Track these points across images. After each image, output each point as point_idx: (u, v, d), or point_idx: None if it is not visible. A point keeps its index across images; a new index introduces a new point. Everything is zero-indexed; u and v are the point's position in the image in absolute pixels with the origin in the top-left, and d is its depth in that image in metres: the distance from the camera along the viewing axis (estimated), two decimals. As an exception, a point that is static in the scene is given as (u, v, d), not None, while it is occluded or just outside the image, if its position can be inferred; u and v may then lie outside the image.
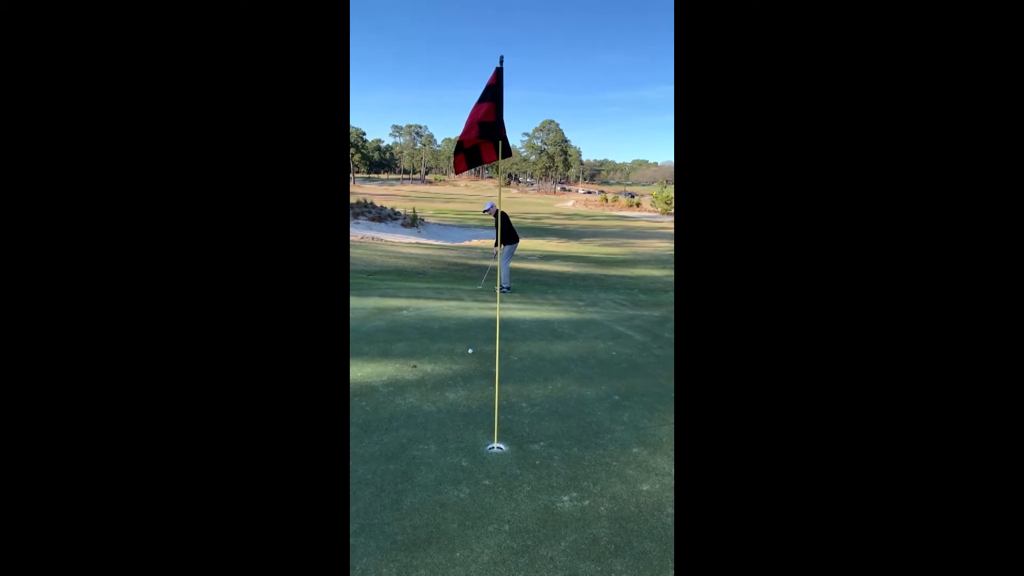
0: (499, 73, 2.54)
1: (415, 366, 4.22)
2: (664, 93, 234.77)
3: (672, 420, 3.50)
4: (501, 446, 3.01)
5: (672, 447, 3.12)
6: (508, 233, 7.96)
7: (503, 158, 2.64)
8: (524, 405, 3.64)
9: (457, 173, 2.79)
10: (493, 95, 2.53)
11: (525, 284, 10.16)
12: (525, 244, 20.46)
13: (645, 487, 2.68)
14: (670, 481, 2.74)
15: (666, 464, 2.92)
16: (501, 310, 6.83)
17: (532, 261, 15.04)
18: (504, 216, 7.82)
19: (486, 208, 8.12)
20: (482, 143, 2.66)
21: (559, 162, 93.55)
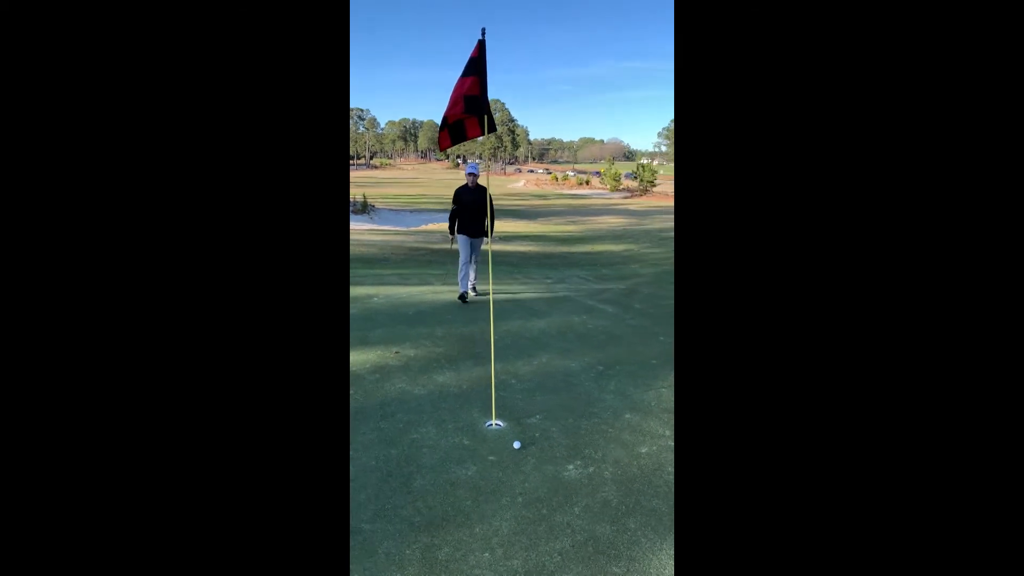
0: (481, 46, 2.49)
1: (398, 352, 4.17)
2: (610, 69, 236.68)
3: (657, 386, 3.63)
4: (499, 423, 3.04)
5: (661, 411, 3.24)
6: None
7: (488, 133, 2.61)
8: (514, 382, 3.68)
9: (442, 150, 2.75)
10: (477, 68, 2.49)
11: (492, 265, 10.14)
12: (481, 226, 20.22)
13: (643, 450, 2.78)
14: (665, 443, 2.86)
15: (659, 427, 3.04)
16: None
17: (494, 242, 15.00)
18: (480, 193, 5.82)
19: (470, 170, 6.01)
20: (466, 118, 2.61)
21: (507, 142, 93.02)
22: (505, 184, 57.48)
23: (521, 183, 63.64)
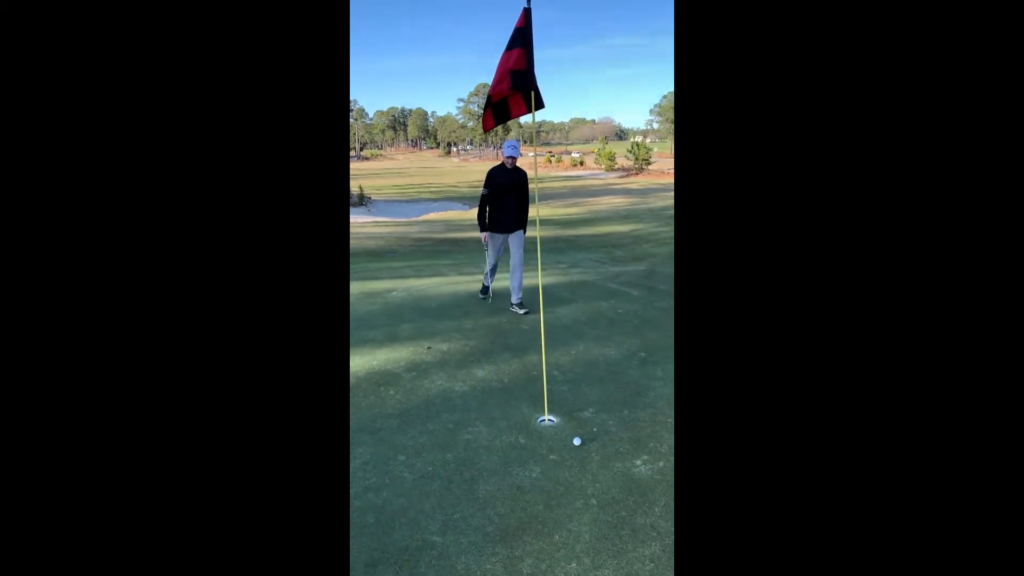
0: (527, 14, 2.27)
1: (430, 348, 4.02)
2: (598, 47, 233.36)
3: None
4: (552, 418, 2.91)
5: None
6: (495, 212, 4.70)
7: (536, 110, 2.41)
8: (556, 373, 3.53)
9: (485, 131, 2.54)
10: (524, 40, 2.27)
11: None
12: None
13: (709, 440, 2.65)
14: (730, 431, 2.73)
15: (719, 414, 2.91)
16: (494, 281, 6.64)
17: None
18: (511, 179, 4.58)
19: (509, 150, 4.50)
20: (511, 95, 2.41)
21: (499, 127, 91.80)
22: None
23: (515, 167, 62.92)
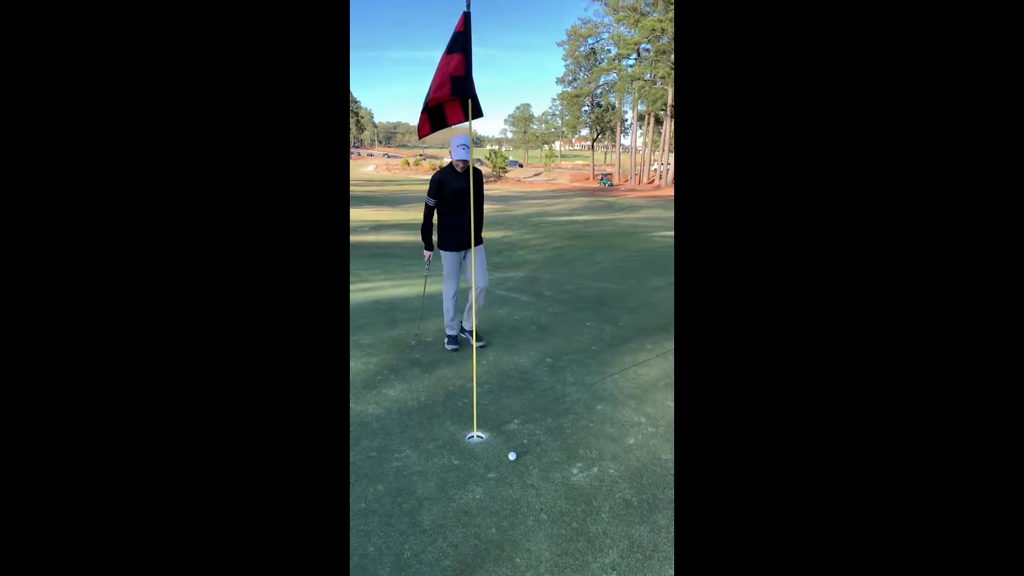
0: (467, 18, 2.19)
1: (327, 367, 3.67)
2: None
3: (610, 372, 3.71)
4: (481, 434, 2.84)
5: (626, 398, 3.32)
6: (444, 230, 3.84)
7: (473, 119, 2.33)
8: (470, 387, 3.46)
9: (420, 137, 2.39)
10: (463, 45, 2.18)
11: (376, 258, 9.53)
12: (350, 215, 18.78)
13: (631, 441, 2.81)
14: (645, 430, 2.92)
15: (633, 415, 3.10)
16: (375, 290, 6.30)
17: (364, 232, 14.10)
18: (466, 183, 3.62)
19: (457, 152, 3.60)
20: (448, 102, 2.30)
21: (351, 125, 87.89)
22: (355, 169, 54.49)
23: (371, 168, 60.88)
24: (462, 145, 3.58)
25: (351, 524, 2.11)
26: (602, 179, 50.71)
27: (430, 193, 3.75)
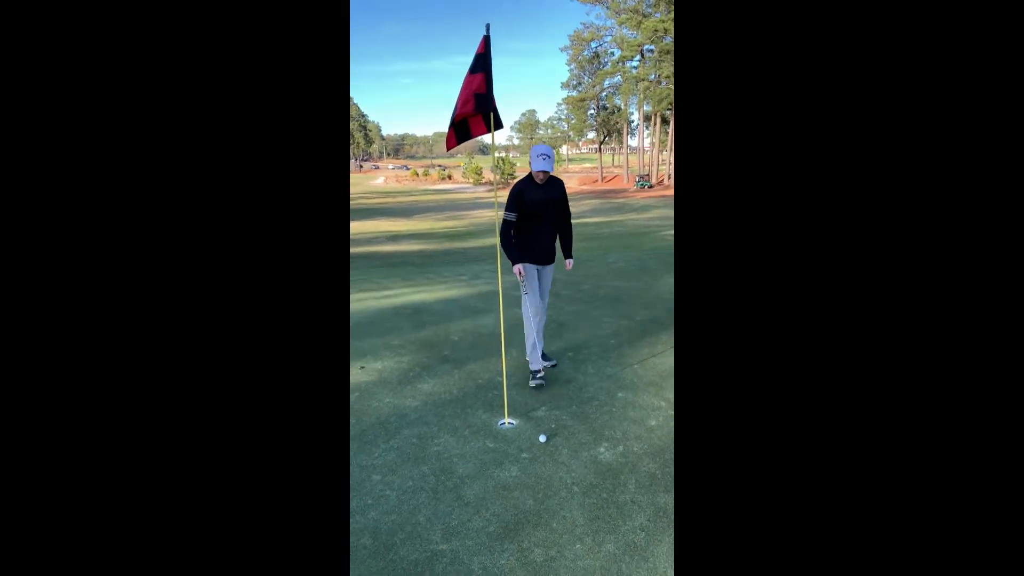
0: (487, 41, 2.45)
1: (363, 367, 3.92)
2: (456, 64, 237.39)
3: (629, 363, 3.90)
4: (512, 421, 3.05)
5: (646, 385, 3.51)
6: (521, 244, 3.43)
7: (495, 130, 2.57)
8: (501, 379, 3.68)
9: (448, 149, 2.64)
10: (484, 65, 2.44)
11: (397, 267, 9.82)
12: (365, 227, 19.34)
13: (652, 423, 3.01)
14: (665, 412, 3.12)
15: (652, 400, 3.29)
16: (397, 297, 6.56)
17: (381, 243, 14.45)
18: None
19: (539, 163, 3.23)
20: (473, 116, 2.55)
21: (359, 138, 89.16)
22: (365, 182, 55.26)
23: (381, 179, 61.65)
24: (543, 155, 3.24)
25: (400, 500, 2.34)
26: (639, 181, 47.06)
27: (508, 207, 3.35)
